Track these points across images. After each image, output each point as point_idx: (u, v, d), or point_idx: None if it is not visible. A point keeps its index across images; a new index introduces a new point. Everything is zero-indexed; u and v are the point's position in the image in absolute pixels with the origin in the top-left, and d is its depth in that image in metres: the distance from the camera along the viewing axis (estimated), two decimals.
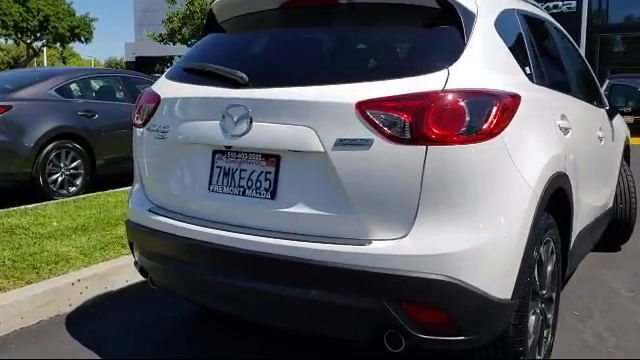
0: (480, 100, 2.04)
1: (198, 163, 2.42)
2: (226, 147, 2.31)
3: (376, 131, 2.00)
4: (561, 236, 2.68)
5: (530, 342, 2.36)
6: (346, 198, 2.05)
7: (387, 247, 2.00)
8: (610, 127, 3.98)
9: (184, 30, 23.66)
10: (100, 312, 3.36)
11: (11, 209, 5.14)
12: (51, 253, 3.84)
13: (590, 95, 3.79)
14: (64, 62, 53.62)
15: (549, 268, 2.56)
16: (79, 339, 3.02)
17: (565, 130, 2.72)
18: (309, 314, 2.18)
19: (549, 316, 2.62)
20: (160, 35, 24.69)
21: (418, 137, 1.97)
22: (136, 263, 2.82)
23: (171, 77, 2.69)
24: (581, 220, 3.09)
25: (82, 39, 38.16)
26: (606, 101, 4.13)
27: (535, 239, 2.22)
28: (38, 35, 37.55)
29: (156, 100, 2.57)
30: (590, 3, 23.41)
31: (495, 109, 2.04)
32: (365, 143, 2.00)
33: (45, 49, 44.39)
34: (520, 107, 2.18)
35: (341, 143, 2.04)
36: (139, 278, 3.74)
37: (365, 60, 2.32)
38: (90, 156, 6.87)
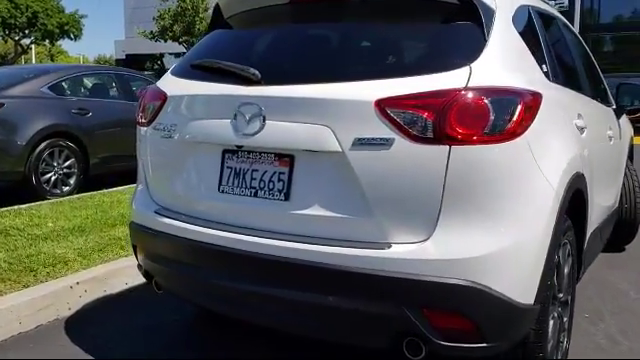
0: (504, 98, 1.97)
1: (207, 163, 2.33)
2: (237, 147, 2.23)
3: (397, 130, 1.92)
4: (576, 238, 2.62)
5: (549, 347, 2.30)
6: (364, 200, 1.98)
7: (408, 251, 1.93)
8: (618, 126, 3.93)
9: (175, 27, 23.56)
10: (100, 316, 3.26)
11: (4, 209, 5.01)
12: (48, 255, 3.73)
13: (599, 93, 3.74)
14: (52, 59, 53.12)
15: (566, 271, 2.50)
16: (79, 344, 2.92)
17: (581, 129, 2.66)
18: (325, 321, 2.10)
19: (565, 319, 2.56)
20: (151, 32, 24.54)
21: (441, 136, 1.89)
22: (140, 266, 2.73)
23: (177, 74, 2.60)
24: (593, 221, 3.04)
25: (71, 36, 37.76)
26: (612, 100, 4.09)
27: (556, 242, 2.16)
28: (26, 32, 37.11)
29: (162, 98, 2.48)
30: (582, 3, 23.51)
31: (519, 108, 1.97)
32: (385, 143, 1.93)
33: (33, 46, 43.93)
34: (541, 106, 2.11)
35: (359, 143, 1.96)
36: (139, 281, 3.68)
37: (383, 56, 2.24)
38: (84, 155, 6.73)
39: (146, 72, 18.23)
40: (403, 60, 2.18)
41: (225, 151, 2.28)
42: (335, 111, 2.01)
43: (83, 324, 3.16)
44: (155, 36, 24.61)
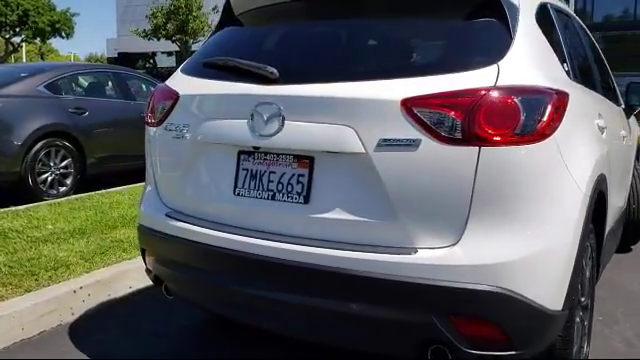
0: (534, 98, 1.91)
1: (221, 165, 2.25)
2: (254, 148, 2.15)
3: (424, 130, 1.85)
4: (596, 240, 2.57)
5: (574, 353, 2.24)
6: (389, 203, 1.90)
7: (436, 257, 1.86)
8: (628, 126, 3.89)
9: (169, 25, 23.40)
10: (105, 321, 3.17)
11: (1, 210, 4.90)
12: (49, 258, 3.63)
13: (610, 93, 3.69)
14: (42, 58, 52.65)
15: (587, 274, 2.45)
16: (85, 351, 2.84)
17: (602, 129, 2.61)
18: (347, 329, 2.03)
19: (585, 323, 2.51)
20: (144, 31, 24.36)
21: (470, 137, 1.83)
22: (148, 271, 2.64)
23: (188, 72, 2.51)
24: (609, 222, 2.99)
25: (63, 34, 37.45)
26: (621, 99, 4.05)
27: (584, 245, 2.10)
28: (17, 30, 36.75)
29: (174, 97, 2.39)
30: (576, 2, 23.58)
31: (549, 107, 1.91)
32: (412, 143, 1.86)
33: (24, 44, 43.53)
34: (568, 106, 2.05)
35: (385, 144, 1.89)
36: (143, 284, 3.60)
37: (406, 54, 2.17)
38: (81, 155, 6.61)
39: (139, 71, 18.08)
40: (427, 58, 2.10)
41: (241, 152, 2.20)
42: (359, 111, 1.93)
43: (88, 330, 3.07)
44: (148, 34, 24.43)
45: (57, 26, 36.72)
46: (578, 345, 2.34)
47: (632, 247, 4.64)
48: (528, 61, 2.05)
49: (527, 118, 1.85)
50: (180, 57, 29.58)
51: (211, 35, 2.73)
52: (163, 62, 37.56)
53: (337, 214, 1.99)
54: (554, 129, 1.93)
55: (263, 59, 2.21)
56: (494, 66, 1.92)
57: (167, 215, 2.40)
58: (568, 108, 2.04)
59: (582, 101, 2.43)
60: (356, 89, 1.96)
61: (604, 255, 2.93)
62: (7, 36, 37.33)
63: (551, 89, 1.99)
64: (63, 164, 6.44)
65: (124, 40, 35.52)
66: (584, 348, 2.51)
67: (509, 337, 1.89)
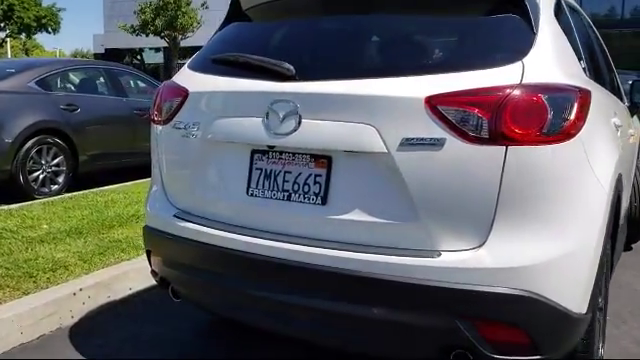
0: (561, 96, 1.85)
1: (233, 164, 2.18)
2: (269, 147, 2.08)
3: (449, 129, 1.79)
4: (611, 240, 2.53)
5: (594, 355, 2.20)
6: (412, 204, 1.84)
7: (461, 259, 1.80)
8: (633, 124, 3.87)
9: (157, 21, 23.17)
10: (106, 325, 3.09)
11: None
12: (47, 259, 3.54)
13: (616, 91, 3.66)
14: (27, 53, 51.96)
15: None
16: (86, 355, 2.76)
17: (617, 128, 2.57)
18: (367, 334, 1.97)
19: (601, 325, 2.47)
20: (132, 26, 24.10)
21: (497, 136, 1.77)
22: (154, 273, 2.56)
23: (196, 69, 2.43)
24: (620, 222, 2.96)
25: (49, 30, 36.97)
26: (625, 97, 4.02)
27: (606, 246, 2.06)
28: (2, 25, 36.23)
29: (183, 94, 2.31)
30: None
31: (576, 106, 1.86)
32: (436, 143, 1.80)
33: (9, 40, 42.93)
34: (591, 104, 2.00)
35: (408, 143, 1.83)
36: (143, 286, 3.52)
37: (429, 50, 2.10)
38: (73, 152, 6.49)
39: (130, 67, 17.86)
40: (450, 54, 2.04)
41: (254, 151, 2.13)
42: (381, 109, 1.87)
43: (88, 334, 2.99)
44: (136, 30, 24.17)
45: (43, 21, 36.26)
46: (596, 347, 2.30)
47: (632, 245, 4.63)
48: (551, 58, 2.00)
49: (554, 117, 1.80)
50: (168, 53, 29.33)
51: (217, 31, 2.64)
52: (151, 58, 37.26)
53: (356, 215, 1.93)
54: (579, 128, 1.88)
55: (276, 55, 2.13)
56: (519, 63, 1.87)
57: (175, 216, 2.32)
58: (591, 106, 2.00)
59: (600, 99, 2.38)
60: (378, 86, 1.90)
61: (616, 255, 2.90)
62: None
63: (575, 87, 1.94)
64: (55, 162, 6.32)
65: (111, 36, 35.12)
66: (600, 350, 2.47)
67: (534, 341, 1.84)
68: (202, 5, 23.27)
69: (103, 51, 37.37)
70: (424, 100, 1.81)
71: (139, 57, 37.07)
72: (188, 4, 23.12)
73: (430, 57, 2.06)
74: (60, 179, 6.37)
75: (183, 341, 2.94)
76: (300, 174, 2.04)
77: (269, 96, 2.04)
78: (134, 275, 3.54)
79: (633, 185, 4.26)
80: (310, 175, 2.02)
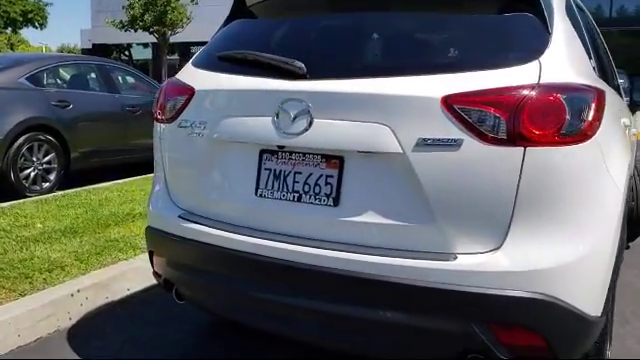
0: (578, 96, 1.82)
1: (241, 164, 2.13)
2: (278, 147, 2.03)
3: (466, 130, 1.75)
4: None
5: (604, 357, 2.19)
6: (427, 206, 1.81)
7: (476, 263, 1.77)
8: (633, 123, 3.86)
9: (146, 17, 22.90)
10: (104, 326, 3.03)
11: None
12: (43, 259, 3.47)
13: (618, 89, 3.65)
14: (12, 49, 51.30)
15: None
16: (85, 358, 2.70)
17: (626, 127, 2.56)
18: (380, 338, 1.93)
19: (609, 326, 2.45)
20: (121, 22, 23.82)
21: (515, 137, 1.74)
22: (156, 274, 2.51)
23: (202, 66, 2.37)
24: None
25: (36, 24, 36.53)
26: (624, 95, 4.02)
27: (621, 248, 2.04)
28: None
29: (189, 92, 2.26)
30: None
31: (593, 106, 1.83)
32: (453, 143, 1.76)
33: None
34: (605, 104, 1.98)
35: (424, 143, 1.79)
36: (141, 286, 3.47)
37: (444, 48, 2.06)
38: (64, 149, 6.40)
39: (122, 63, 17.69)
40: (466, 53, 1.99)
41: (263, 151, 2.09)
42: (396, 109, 1.83)
43: (87, 336, 2.93)
44: (125, 26, 23.89)
45: (30, 16, 35.82)
46: (606, 349, 2.29)
47: (630, 244, 4.64)
48: (565, 57, 1.96)
49: (572, 117, 1.77)
50: (157, 49, 29.07)
51: (221, 27, 2.59)
52: (139, 54, 36.92)
53: (370, 217, 1.89)
54: (596, 129, 1.85)
55: (285, 53, 2.08)
56: (535, 62, 1.84)
57: (180, 217, 2.27)
58: (605, 106, 1.97)
59: (611, 99, 2.36)
60: (392, 85, 1.85)
61: (621, 254, 2.89)
62: None
63: (592, 87, 1.91)
64: (46, 159, 6.23)
65: (98, 31, 34.70)
66: (608, 351, 2.46)
67: (550, 345, 1.81)
68: (192, 1, 23.04)
69: (90, 46, 36.96)
70: (440, 100, 1.78)
71: (127, 53, 36.69)
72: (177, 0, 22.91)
73: (445, 56, 2.02)
74: (52, 177, 6.28)
75: (184, 343, 2.89)
76: (311, 175, 2.00)
77: (279, 95, 2.00)
78: (132, 275, 3.48)
79: (630, 185, 4.27)
80: (321, 176, 1.98)
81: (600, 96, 1.93)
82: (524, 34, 1.96)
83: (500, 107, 1.75)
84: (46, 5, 37.18)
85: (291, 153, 2.03)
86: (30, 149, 6.05)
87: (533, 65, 1.83)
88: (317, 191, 1.98)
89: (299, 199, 2.01)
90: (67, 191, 5.64)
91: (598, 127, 1.86)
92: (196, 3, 23.37)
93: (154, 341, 2.88)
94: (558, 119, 1.75)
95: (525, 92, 1.75)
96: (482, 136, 1.75)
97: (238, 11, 2.55)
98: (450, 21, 2.09)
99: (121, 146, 7.12)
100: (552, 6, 2.03)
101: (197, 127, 2.20)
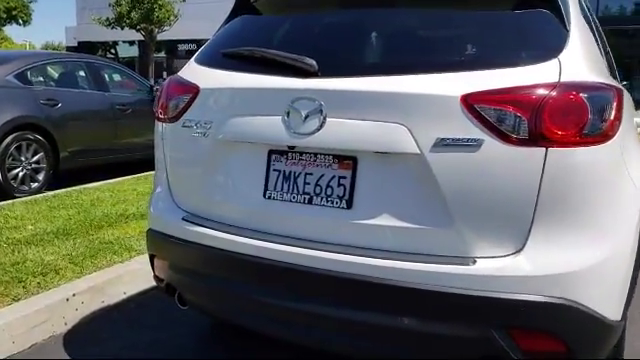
0: (600, 95, 1.77)
1: (249, 165, 2.06)
2: (289, 147, 1.96)
3: (487, 130, 1.70)
4: None
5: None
6: (445, 208, 1.75)
7: (497, 267, 1.71)
8: None
9: (133, 14, 22.71)
10: (101, 332, 2.94)
11: None
12: (36, 263, 3.36)
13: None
14: None
15: None
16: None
17: (638, 126, 2.52)
18: (396, 344, 1.87)
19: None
20: (107, 19, 23.59)
21: (537, 137, 1.68)
22: (158, 279, 2.43)
23: (206, 63, 2.29)
24: None
25: (20, 21, 36.02)
26: None
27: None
28: None
29: (193, 91, 2.18)
30: None
31: (614, 105, 1.79)
32: (473, 144, 1.70)
33: None
34: (624, 103, 1.94)
35: (442, 144, 1.73)
36: (138, 289, 3.38)
37: (463, 46, 1.99)
38: (53, 149, 6.28)
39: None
40: (484, 50, 1.93)
41: (272, 152, 2.01)
42: (413, 107, 1.76)
43: (83, 342, 2.84)
44: (111, 23, 23.66)
45: (14, 13, 35.29)
46: (622, 353, 2.25)
47: None
48: (583, 55, 1.92)
49: (594, 117, 1.72)
50: (143, 47, 28.82)
51: (224, 24, 2.51)
52: (125, 52, 36.60)
53: (385, 220, 1.83)
54: (617, 128, 1.81)
55: (294, 50, 2.01)
56: (555, 60, 1.78)
57: (184, 219, 2.19)
58: (624, 106, 1.93)
59: (626, 98, 2.32)
60: (409, 83, 1.79)
61: None
62: None
63: (611, 85, 1.87)
64: (35, 159, 6.11)
65: (84, 28, 34.36)
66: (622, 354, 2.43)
67: (570, 349, 1.76)
68: None
69: (76, 44, 36.57)
70: (460, 98, 1.72)
71: (113, 50, 36.37)
72: None
73: (463, 53, 1.96)
74: (40, 177, 6.16)
75: (184, 348, 2.80)
76: (322, 176, 1.93)
77: (289, 93, 1.92)
78: (128, 278, 3.39)
79: None
80: (333, 177, 1.91)
81: (620, 95, 1.89)
82: (542, 31, 1.91)
83: (522, 106, 1.69)
84: (30, 2, 36.65)
85: (302, 154, 1.96)
86: (18, 148, 5.94)
87: (553, 63, 1.77)
88: (329, 193, 1.91)
89: (310, 201, 1.94)
90: (57, 191, 5.52)
91: (618, 127, 1.82)
92: (184, 1, 23.22)
93: (153, 347, 2.80)
94: (580, 119, 1.70)
95: (547, 91, 1.70)
96: (503, 136, 1.69)
97: (241, 7, 2.47)
98: (467, 17, 2.03)
99: (111, 145, 7.02)
100: (568, 3, 1.98)
101: (202, 127, 2.12)
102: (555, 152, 1.68)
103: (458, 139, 1.71)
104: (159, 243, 2.33)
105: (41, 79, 6.68)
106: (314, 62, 1.91)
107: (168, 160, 2.31)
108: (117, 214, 4.56)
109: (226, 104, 2.13)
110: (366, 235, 1.85)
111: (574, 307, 1.71)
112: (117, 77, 7.91)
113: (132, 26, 23.25)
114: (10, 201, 5.07)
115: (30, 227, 4.12)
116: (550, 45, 1.84)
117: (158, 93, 2.38)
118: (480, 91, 1.71)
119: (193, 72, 2.29)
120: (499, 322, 1.73)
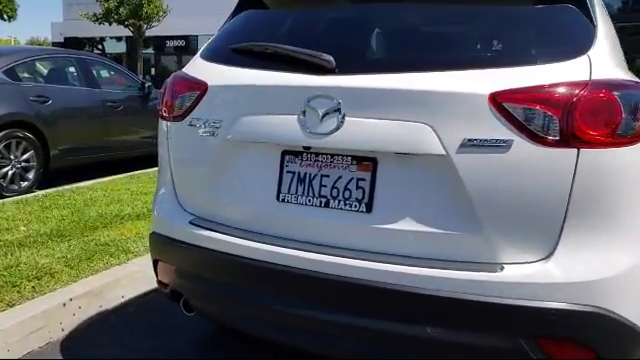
0: (631, 94, 1.69)
1: (261, 166, 1.96)
2: (304, 148, 1.87)
3: (516, 130, 1.62)
4: None
5: None
6: (471, 212, 1.67)
7: (526, 274, 1.63)
8: None
9: (121, 9, 22.44)
10: (99, 337, 2.83)
11: None
12: (30, 266, 3.24)
13: None
14: None
15: None
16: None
17: None
18: (418, 355, 1.78)
19: None
20: (95, 15, 23.28)
21: (568, 138, 1.61)
22: (162, 284, 2.32)
23: (213, 60, 2.18)
24: None
25: (5, 17, 35.48)
26: None
27: None
28: None
29: (201, 88, 2.07)
30: None
31: None
32: (502, 144, 1.62)
33: None
34: None
35: (469, 144, 1.64)
36: (135, 293, 3.28)
37: (489, 41, 1.91)
38: (43, 147, 6.13)
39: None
40: (511, 46, 1.85)
41: (285, 152, 1.92)
42: (438, 106, 1.68)
43: (82, 348, 2.74)
44: (99, 19, 23.36)
45: None
46: None
47: None
48: (610, 52, 1.85)
49: (627, 117, 1.65)
50: (131, 43, 28.52)
51: (229, 18, 2.40)
52: (112, 48, 36.22)
53: (407, 225, 1.74)
54: None
55: (310, 45, 1.91)
56: (584, 57, 1.71)
57: (192, 223, 2.09)
58: None
59: None
60: (434, 81, 1.70)
61: None
62: None
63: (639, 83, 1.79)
64: (25, 157, 5.95)
65: (71, 24, 33.95)
66: None
67: (599, 359, 1.69)
68: None
69: (62, 40, 36.15)
70: (488, 97, 1.64)
71: (100, 46, 35.98)
72: None
73: (490, 49, 1.88)
74: (30, 175, 6.01)
75: (185, 354, 2.71)
76: (340, 178, 1.84)
77: (305, 91, 1.83)
78: (126, 282, 3.29)
79: None
80: (352, 179, 1.82)
81: None
82: (570, 26, 1.83)
83: (553, 105, 1.61)
84: None
85: (317, 154, 1.87)
86: (7, 146, 5.78)
87: (582, 60, 1.70)
88: (347, 196, 1.82)
89: (326, 204, 1.85)
90: (48, 190, 5.38)
91: None
92: None
93: (153, 352, 2.70)
94: (614, 118, 1.63)
95: (579, 89, 1.62)
96: (533, 136, 1.61)
97: (248, 1, 2.37)
98: (493, 12, 1.93)
99: (102, 143, 6.88)
100: None
101: (210, 126, 2.02)
102: (588, 153, 1.61)
103: (486, 140, 1.63)
104: (164, 247, 2.22)
105: (31, 75, 6.53)
106: (331, 58, 1.82)
107: (173, 160, 2.21)
108: (112, 215, 4.44)
109: (237, 102, 2.03)
110: (386, 240, 1.77)
111: (606, 315, 1.63)
112: (108, 73, 7.76)
113: (120, 22, 22.98)
114: (0, 201, 4.92)
115: (22, 228, 3.99)
116: (579, 41, 1.77)
117: (161, 90, 2.28)
118: (509, 89, 1.63)
119: (200, 68, 2.19)
120: (527, 331, 1.65)
